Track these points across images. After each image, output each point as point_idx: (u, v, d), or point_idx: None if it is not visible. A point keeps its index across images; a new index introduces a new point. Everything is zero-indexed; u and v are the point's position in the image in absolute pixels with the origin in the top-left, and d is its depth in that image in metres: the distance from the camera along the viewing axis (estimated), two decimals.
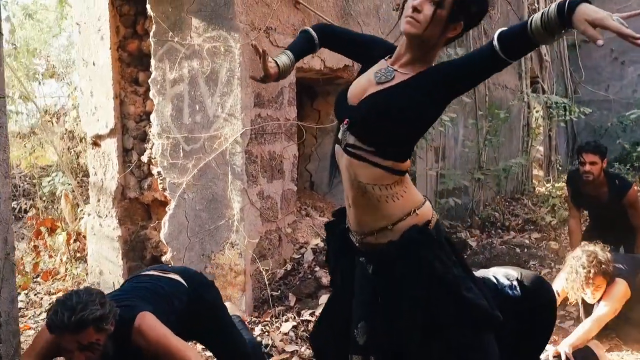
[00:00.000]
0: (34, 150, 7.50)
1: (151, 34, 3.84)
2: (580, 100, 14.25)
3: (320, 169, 5.27)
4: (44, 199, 6.86)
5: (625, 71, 14.57)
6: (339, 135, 1.98)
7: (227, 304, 3.37)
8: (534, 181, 11.19)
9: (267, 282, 3.90)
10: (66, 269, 4.64)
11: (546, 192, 10.41)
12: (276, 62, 2.09)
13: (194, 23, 3.77)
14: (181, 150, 3.84)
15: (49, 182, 7.06)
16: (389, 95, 1.89)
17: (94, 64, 4.06)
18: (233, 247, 3.81)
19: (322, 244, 4.33)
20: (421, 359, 1.95)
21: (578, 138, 14.70)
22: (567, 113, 9.87)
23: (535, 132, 10.52)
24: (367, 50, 2.09)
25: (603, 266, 3.34)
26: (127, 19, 4.02)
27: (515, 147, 9.90)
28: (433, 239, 1.96)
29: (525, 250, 5.46)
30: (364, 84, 1.98)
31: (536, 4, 11.18)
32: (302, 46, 2.23)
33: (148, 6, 3.84)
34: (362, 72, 2.05)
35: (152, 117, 3.89)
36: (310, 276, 4.04)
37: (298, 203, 4.85)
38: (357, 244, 2.04)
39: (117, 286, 4.09)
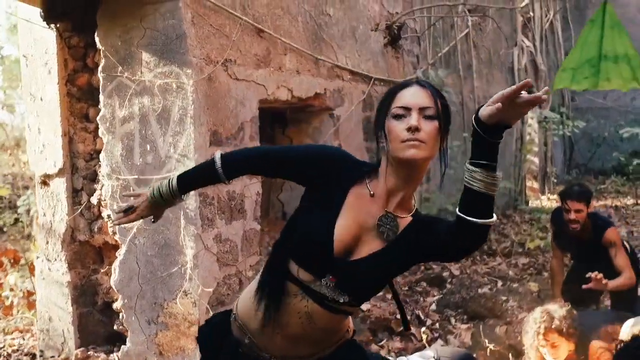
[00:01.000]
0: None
1: (100, 68, 3.61)
2: (577, 108, 14.00)
3: (292, 198, 5.03)
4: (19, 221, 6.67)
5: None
6: (314, 287, 1.70)
7: None
8: (529, 193, 10.94)
9: None
10: (18, 310, 4.42)
11: (540, 207, 10.16)
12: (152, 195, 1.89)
13: (144, 57, 3.53)
14: None
15: (24, 200, 6.85)
16: (394, 256, 1.69)
17: (41, 99, 3.82)
18: (186, 295, 3.58)
19: None
20: None
21: (575, 147, 14.45)
22: (562, 127, 9.63)
23: (527, 147, 10.26)
24: (311, 173, 1.77)
25: (556, 322, 3.17)
26: (77, 51, 3.78)
27: (508, 162, 9.64)
28: (363, 351, 1.88)
29: (508, 284, 5.23)
30: (354, 231, 1.69)
31: (531, 12, 10.92)
32: (198, 175, 1.91)
33: (97, 39, 3.60)
34: (320, 201, 1.74)
35: (102, 156, 3.66)
36: None
37: (267, 237, 4.61)
38: None
39: (67, 334, 3.89)
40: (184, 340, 3.59)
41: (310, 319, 1.72)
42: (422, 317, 4.14)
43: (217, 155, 1.82)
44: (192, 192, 3.52)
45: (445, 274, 5.32)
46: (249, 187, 4.00)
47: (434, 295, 4.67)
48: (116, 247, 3.74)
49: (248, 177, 4.00)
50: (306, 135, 4.89)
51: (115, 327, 3.81)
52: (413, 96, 1.64)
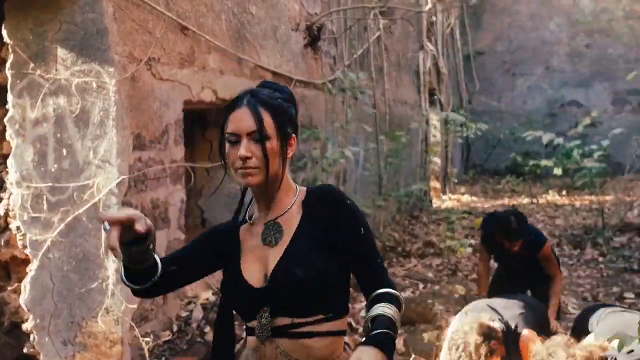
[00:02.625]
0: None
1: (7, 64, 3.26)
2: (474, 110, 14.54)
3: (212, 204, 4.81)
4: None
5: (516, 82, 15.00)
6: (262, 328, 1.63)
7: None
8: (432, 194, 11.21)
9: (148, 350, 3.42)
10: None
11: (445, 208, 10.42)
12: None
13: (60, 54, 3.21)
14: (45, 202, 3.27)
15: None
16: (295, 254, 1.64)
17: None
18: (108, 313, 3.30)
19: (213, 298, 3.89)
20: None
21: (472, 148, 15.00)
22: (465, 129, 9.92)
23: (433, 148, 10.50)
24: (212, 248, 1.76)
25: (492, 333, 3.18)
26: None
27: (415, 162, 9.81)
28: None
29: (428, 285, 5.26)
30: (259, 262, 1.68)
31: (434, 17, 11.18)
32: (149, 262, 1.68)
33: (4, 32, 3.25)
34: (227, 263, 1.73)
35: (10, 162, 3.30)
36: (199, 339, 3.59)
37: None
38: None
39: None
40: None
41: (287, 356, 1.63)
42: (354, 324, 4.07)
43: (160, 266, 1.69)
44: (114, 200, 3.27)
45: None
46: (173, 194, 3.77)
47: (361, 301, 4.61)
48: (26, 261, 3.39)
49: (172, 183, 3.76)
50: None
51: (25, 350, 3.46)
52: (240, 121, 1.63)
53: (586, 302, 5.32)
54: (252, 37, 4.60)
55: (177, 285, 1.84)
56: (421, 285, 5.24)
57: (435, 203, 10.99)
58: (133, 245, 1.54)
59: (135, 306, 3.36)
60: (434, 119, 11.24)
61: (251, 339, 1.68)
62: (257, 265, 1.68)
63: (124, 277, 1.66)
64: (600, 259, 6.97)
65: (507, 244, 4.01)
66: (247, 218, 1.76)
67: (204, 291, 3.93)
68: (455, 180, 12.39)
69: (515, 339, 3.26)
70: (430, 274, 5.72)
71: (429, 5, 9.89)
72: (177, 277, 1.75)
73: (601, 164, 8.29)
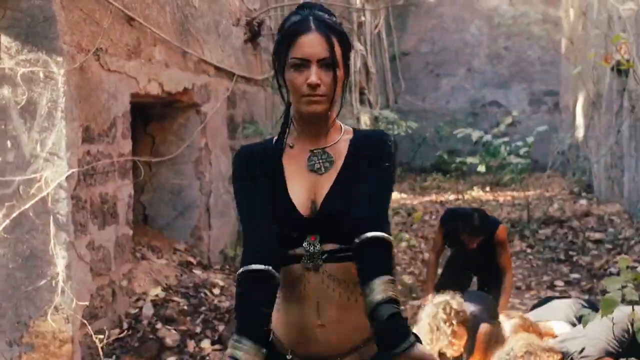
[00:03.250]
0: None
1: None
2: (400, 110, 14.81)
3: (155, 200, 4.71)
4: None
5: (440, 83, 15.42)
6: (305, 259, 1.60)
7: None
8: None
9: (100, 348, 3.32)
10: None
11: None
12: None
13: (4, 42, 3.08)
14: None
15: None
16: (342, 186, 1.62)
17: None
18: (57, 311, 3.19)
19: (163, 294, 3.82)
20: None
21: (399, 146, 15.30)
22: (396, 127, 10.11)
23: None
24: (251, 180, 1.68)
25: (461, 314, 3.29)
26: None
27: None
28: None
29: None
30: (307, 187, 1.64)
31: (363, 17, 11.34)
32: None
33: None
34: (275, 187, 1.66)
35: None
36: (151, 336, 3.52)
37: (131, 244, 4.27)
38: None
39: None
40: None
41: (337, 279, 1.61)
42: None
43: (250, 267, 1.60)
44: (63, 195, 3.17)
45: None
46: (121, 189, 3.68)
47: None
48: None
49: (120, 177, 3.67)
50: (171, 133, 4.61)
51: None
52: (311, 47, 1.57)
53: (520, 290, 5.55)
54: (195, 30, 4.55)
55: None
56: None
57: None
58: None
59: (86, 303, 3.27)
60: (364, 117, 11.41)
61: (294, 268, 1.63)
62: (304, 193, 1.65)
63: None
64: (529, 250, 7.26)
65: (467, 240, 4.11)
66: (287, 140, 1.69)
67: (153, 287, 3.85)
68: None
69: (475, 330, 3.36)
70: None
71: (358, 4, 10.06)
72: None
73: (525, 160, 8.64)
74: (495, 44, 14.87)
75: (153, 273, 3.97)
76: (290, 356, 1.67)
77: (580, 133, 11.21)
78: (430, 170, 14.55)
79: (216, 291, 4.01)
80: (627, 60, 3.54)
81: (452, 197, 11.69)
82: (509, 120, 12.51)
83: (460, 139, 12.86)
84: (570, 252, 6.85)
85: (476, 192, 12.31)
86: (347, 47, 1.65)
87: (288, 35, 1.61)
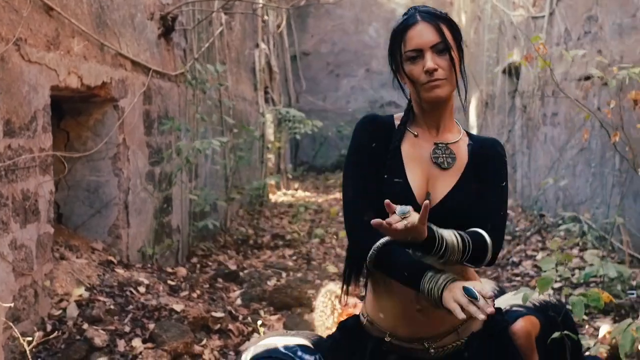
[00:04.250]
0: None
1: None
2: (301, 109, 14.96)
3: (70, 198, 4.53)
4: None
5: (340, 83, 15.71)
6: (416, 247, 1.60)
7: None
8: (268, 190, 11.39)
9: (30, 351, 3.16)
10: None
11: (282, 202, 10.66)
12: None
13: None
14: None
15: None
16: (465, 186, 1.69)
17: None
18: None
19: (86, 295, 3.70)
20: None
21: (300, 145, 15.45)
22: (302, 126, 10.22)
23: (274, 144, 10.70)
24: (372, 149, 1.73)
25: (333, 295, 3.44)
26: None
27: (253, 159, 9.92)
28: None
29: (291, 273, 5.41)
30: (423, 175, 1.69)
31: (266, 16, 11.37)
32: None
33: None
34: (384, 167, 1.70)
35: None
36: (78, 337, 3.40)
37: (52, 243, 4.10)
38: (421, 354, 1.72)
39: None
40: None
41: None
42: (234, 312, 4.08)
43: (379, 243, 1.62)
44: None
45: (233, 268, 5.31)
46: (43, 186, 3.52)
47: (234, 290, 4.63)
48: None
49: (41, 174, 3.51)
50: (86, 128, 4.44)
51: None
52: (421, 36, 1.65)
53: None
54: (112, 23, 4.42)
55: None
56: (284, 274, 5.37)
57: (272, 198, 11.19)
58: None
59: (9, 305, 3.12)
60: (269, 115, 11.45)
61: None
62: (421, 182, 1.69)
63: None
64: None
65: None
66: (408, 126, 1.74)
67: (75, 288, 3.71)
68: (290, 176, 12.71)
69: None
70: (290, 263, 5.87)
71: (261, 3, 10.08)
72: None
73: None
74: None
75: (74, 273, 3.83)
76: (389, 338, 1.72)
77: (473, 132, 11.80)
78: (331, 169, 14.80)
79: (142, 289, 3.92)
80: (544, 60, 3.79)
81: None
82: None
83: None
84: None
85: None
86: (457, 32, 1.70)
87: (397, 32, 1.68)
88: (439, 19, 1.69)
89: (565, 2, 7.07)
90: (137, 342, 3.42)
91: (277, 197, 11.54)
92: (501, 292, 3.96)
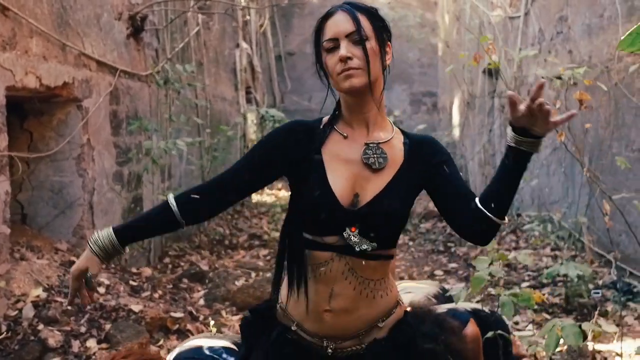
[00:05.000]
0: None
1: None
2: (286, 109, 14.97)
3: (34, 199, 4.52)
4: None
5: (326, 83, 15.72)
6: (342, 244, 1.65)
7: None
8: None
9: None
10: None
11: (264, 201, 10.66)
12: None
13: None
14: None
15: None
16: (396, 188, 1.67)
17: None
18: None
19: (44, 295, 3.69)
20: None
21: None
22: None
23: (253, 143, 10.68)
24: (277, 156, 1.74)
25: None
26: None
27: (234, 157, 9.91)
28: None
29: (261, 274, 5.41)
30: (349, 177, 1.67)
31: (248, 16, 11.37)
32: (150, 222, 1.78)
33: None
34: (303, 172, 1.70)
35: None
36: (32, 337, 3.39)
37: (9, 244, 4.08)
38: (321, 350, 1.72)
39: None
40: None
41: (356, 274, 1.66)
42: (194, 312, 4.08)
43: (171, 197, 1.69)
44: None
45: (205, 268, 5.31)
46: None
47: (198, 291, 4.62)
48: None
49: None
50: (50, 129, 4.43)
51: None
52: (337, 25, 1.64)
53: (403, 280, 5.80)
54: (75, 23, 4.41)
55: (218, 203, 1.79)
56: (253, 274, 5.37)
57: (254, 198, 11.19)
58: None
59: None
60: (251, 115, 11.44)
61: (318, 254, 1.67)
62: (347, 183, 1.68)
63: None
64: (411, 243, 7.60)
65: None
66: (335, 127, 1.73)
67: (33, 288, 3.70)
68: None
69: None
70: (260, 263, 5.87)
71: (243, 3, 10.08)
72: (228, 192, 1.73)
73: None
74: None
75: (33, 273, 3.82)
76: (295, 328, 1.74)
77: (456, 132, 11.83)
78: None
79: (101, 290, 3.92)
80: (494, 62, 3.81)
81: None
82: (391, 119, 12.92)
83: None
84: (449, 244, 7.24)
85: None
86: (378, 23, 1.67)
87: (318, 25, 1.67)
88: (359, 10, 1.67)
89: (540, 3, 7.10)
90: (91, 343, 3.41)
91: (260, 197, 11.54)
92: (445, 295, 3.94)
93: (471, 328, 2.47)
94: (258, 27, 12.49)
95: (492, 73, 9.46)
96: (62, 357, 3.30)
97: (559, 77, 6.05)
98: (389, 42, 1.71)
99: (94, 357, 3.32)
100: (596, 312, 3.77)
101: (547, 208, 6.68)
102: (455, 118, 11.87)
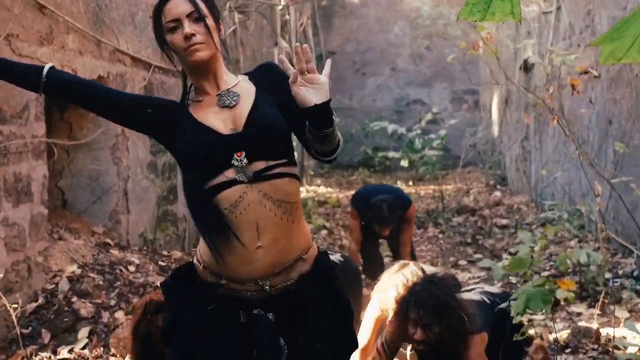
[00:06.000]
0: None
1: None
2: None
3: (73, 186, 4.85)
4: None
5: (366, 82, 15.87)
6: (236, 175, 1.79)
7: None
8: None
9: (15, 320, 3.47)
10: None
11: (303, 198, 10.88)
12: None
13: None
14: None
15: None
16: (262, 105, 1.86)
17: None
18: None
19: (79, 271, 3.99)
20: None
21: None
22: None
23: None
24: (148, 115, 1.92)
25: None
26: None
27: None
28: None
29: None
30: (217, 118, 1.85)
31: (287, 15, 11.62)
32: (19, 68, 1.95)
33: None
34: (179, 127, 1.87)
35: None
36: (67, 308, 3.69)
37: (49, 225, 4.41)
38: (254, 295, 1.83)
39: None
40: None
41: (272, 198, 1.78)
42: None
43: (49, 65, 1.89)
44: None
45: None
46: (36, 169, 3.83)
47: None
48: None
49: (34, 158, 3.82)
50: (87, 120, 4.76)
51: None
52: (177, 7, 1.83)
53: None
54: (110, 21, 4.72)
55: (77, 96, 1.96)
56: None
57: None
58: None
59: (1, 275, 3.42)
60: None
61: (227, 194, 1.77)
62: (218, 121, 1.84)
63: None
64: (440, 235, 7.71)
65: (378, 229, 4.48)
66: (190, 99, 1.90)
67: (69, 265, 4.01)
68: (312, 173, 12.94)
69: None
70: None
71: (283, 3, 10.33)
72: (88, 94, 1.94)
73: (439, 152, 9.08)
74: (416, 44, 15.41)
75: (70, 252, 4.13)
76: (225, 281, 1.82)
77: (495, 129, 11.83)
78: (357, 165, 14.96)
79: (132, 268, 4.20)
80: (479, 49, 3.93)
81: None
82: (429, 116, 13.02)
83: (386, 135, 13.35)
84: (477, 237, 7.32)
85: (399, 186, 12.79)
86: (212, 5, 1.90)
87: (156, 9, 1.87)
88: None
89: None
90: (120, 314, 3.69)
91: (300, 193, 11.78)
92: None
93: (475, 350, 2.68)
94: (298, 26, 12.74)
95: (528, 69, 9.46)
96: (93, 326, 3.59)
97: (586, 72, 6.10)
98: (220, 21, 1.92)
99: (121, 325, 3.59)
100: (601, 295, 3.85)
101: (575, 201, 6.71)
102: (495, 115, 11.87)
